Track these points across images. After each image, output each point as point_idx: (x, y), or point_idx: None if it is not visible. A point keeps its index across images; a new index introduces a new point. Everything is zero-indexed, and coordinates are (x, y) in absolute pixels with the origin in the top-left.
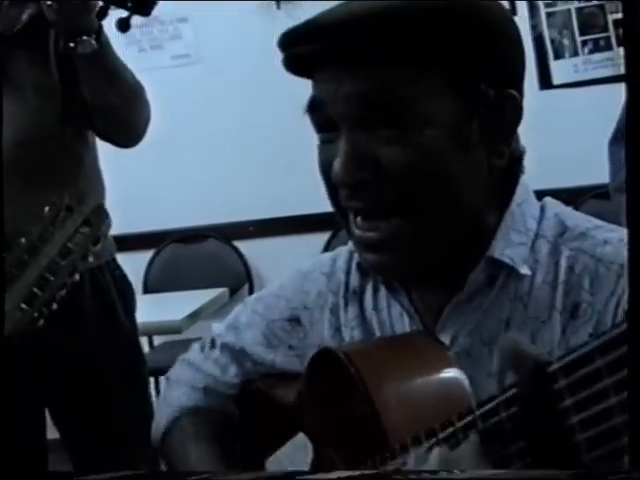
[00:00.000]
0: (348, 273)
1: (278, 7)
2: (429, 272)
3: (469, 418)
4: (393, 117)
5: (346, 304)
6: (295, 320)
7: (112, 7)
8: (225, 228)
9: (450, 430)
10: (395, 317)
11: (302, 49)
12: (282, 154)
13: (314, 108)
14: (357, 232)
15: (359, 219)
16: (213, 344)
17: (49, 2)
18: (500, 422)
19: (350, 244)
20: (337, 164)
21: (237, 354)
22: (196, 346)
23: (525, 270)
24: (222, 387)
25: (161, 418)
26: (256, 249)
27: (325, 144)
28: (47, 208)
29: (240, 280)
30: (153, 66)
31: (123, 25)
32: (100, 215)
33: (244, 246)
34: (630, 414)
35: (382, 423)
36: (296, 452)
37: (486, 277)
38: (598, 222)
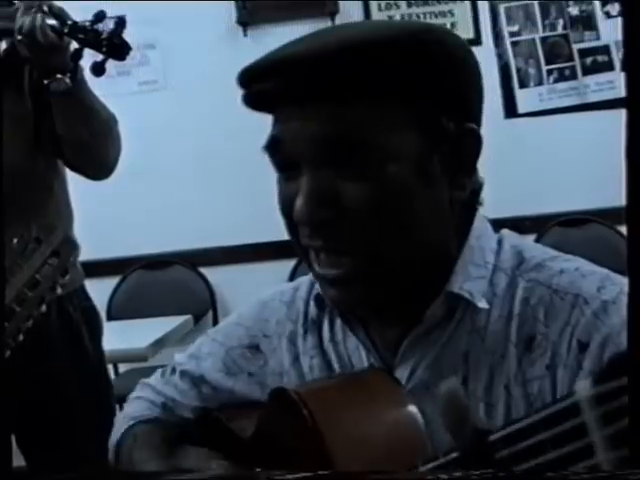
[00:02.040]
0: (307, 303)
1: (245, 34)
2: (388, 306)
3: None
4: (355, 155)
5: (305, 332)
6: (254, 347)
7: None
8: (191, 254)
9: None
10: (351, 349)
11: (261, 86)
12: (248, 181)
13: (274, 147)
14: (317, 268)
15: (321, 255)
16: (173, 371)
17: (19, 37)
18: None
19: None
20: (299, 203)
21: (196, 380)
22: (158, 372)
23: (483, 304)
24: (181, 409)
25: (117, 430)
26: (222, 276)
27: (285, 182)
28: (15, 240)
29: (205, 307)
30: (120, 92)
31: (98, 69)
32: (68, 246)
33: (210, 273)
34: (630, 415)
35: (334, 466)
36: None
37: (444, 311)
38: (554, 253)
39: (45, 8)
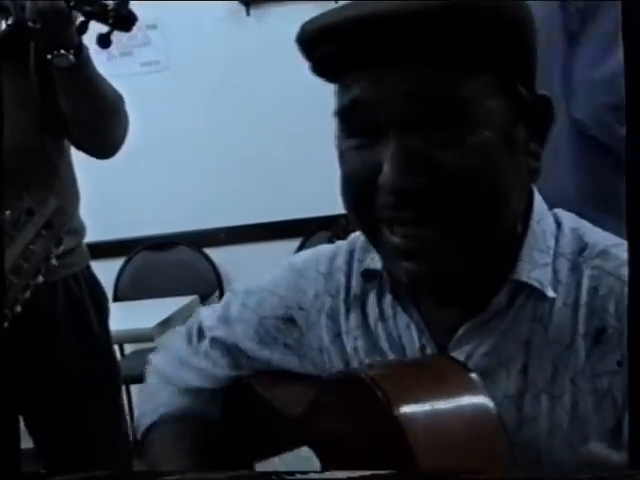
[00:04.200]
0: (349, 276)
1: (248, 13)
2: (450, 289)
3: None
4: (451, 118)
5: (347, 310)
6: (289, 319)
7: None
8: (195, 235)
9: None
10: (402, 328)
11: (351, 44)
12: (252, 161)
13: (355, 110)
14: (395, 240)
15: (397, 226)
16: (201, 335)
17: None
18: None
19: (349, 242)
20: (388, 169)
21: (230, 349)
22: (182, 333)
23: (551, 293)
24: (212, 381)
25: (144, 415)
26: (226, 256)
27: (360, 149)
28: (8, 212)
29: (211, 287)
30: (122, 73)
31: (104, 41)
32: (62, 216)
33: (214, 253)
34: (630, 414)
35: (413, 452)
36: (298, 465)
37: (508, 299)
38: (616, 239)
39: None
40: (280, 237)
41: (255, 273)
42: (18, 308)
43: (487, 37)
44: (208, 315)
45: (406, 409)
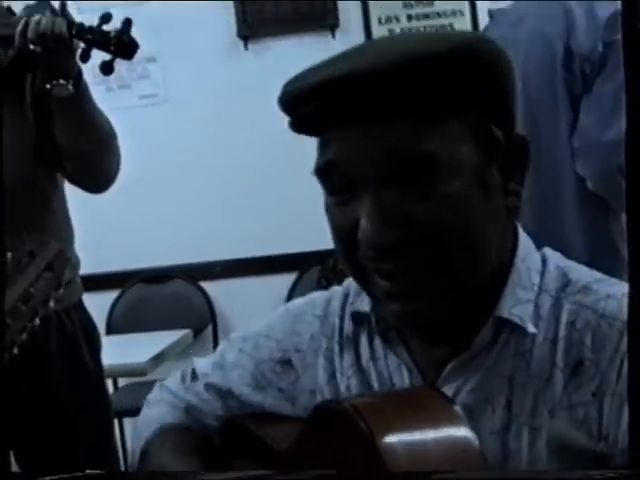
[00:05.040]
0: (342, 318)
1: (246, 48)
2: (437, 328)
3: None
4: (424, 172)
5: (341, 350)
6: (286, 362)
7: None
8: (192, 268)
9: None
10: (392, 368)
11: (318, 106)
12: (249, 194)
13: (330, 170)
14: (384, 284)
15: (385, 273)
16: (195, 377)
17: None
18: None
19: (344, 286)
20: (366, 226)
21: (223, 394)
22: (177, 375)
23: (532, 329)
24: (203, 416)
25: (140, 436)
26: (223, 289)
27: (340, 206)
28: (10, 254)
29: (204, 321)
30: (121, 106)
31: (106, 68)
32: (62, 260)
33: (210, 286)
34: (630, 412)
35: None
36: None
37: (491, 335)
38: (600, 275)
39: (57, 9)
40: (276, 271)
41: (250, 307)
42: (15, 350)
43: (461, 86)
44: (202, 362)
45: (387, 439)
